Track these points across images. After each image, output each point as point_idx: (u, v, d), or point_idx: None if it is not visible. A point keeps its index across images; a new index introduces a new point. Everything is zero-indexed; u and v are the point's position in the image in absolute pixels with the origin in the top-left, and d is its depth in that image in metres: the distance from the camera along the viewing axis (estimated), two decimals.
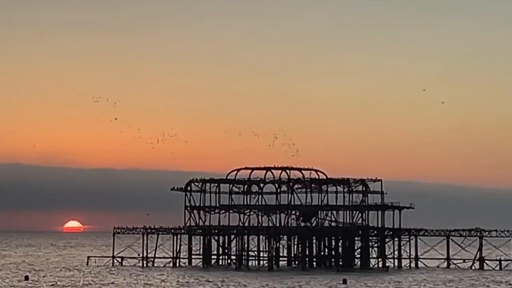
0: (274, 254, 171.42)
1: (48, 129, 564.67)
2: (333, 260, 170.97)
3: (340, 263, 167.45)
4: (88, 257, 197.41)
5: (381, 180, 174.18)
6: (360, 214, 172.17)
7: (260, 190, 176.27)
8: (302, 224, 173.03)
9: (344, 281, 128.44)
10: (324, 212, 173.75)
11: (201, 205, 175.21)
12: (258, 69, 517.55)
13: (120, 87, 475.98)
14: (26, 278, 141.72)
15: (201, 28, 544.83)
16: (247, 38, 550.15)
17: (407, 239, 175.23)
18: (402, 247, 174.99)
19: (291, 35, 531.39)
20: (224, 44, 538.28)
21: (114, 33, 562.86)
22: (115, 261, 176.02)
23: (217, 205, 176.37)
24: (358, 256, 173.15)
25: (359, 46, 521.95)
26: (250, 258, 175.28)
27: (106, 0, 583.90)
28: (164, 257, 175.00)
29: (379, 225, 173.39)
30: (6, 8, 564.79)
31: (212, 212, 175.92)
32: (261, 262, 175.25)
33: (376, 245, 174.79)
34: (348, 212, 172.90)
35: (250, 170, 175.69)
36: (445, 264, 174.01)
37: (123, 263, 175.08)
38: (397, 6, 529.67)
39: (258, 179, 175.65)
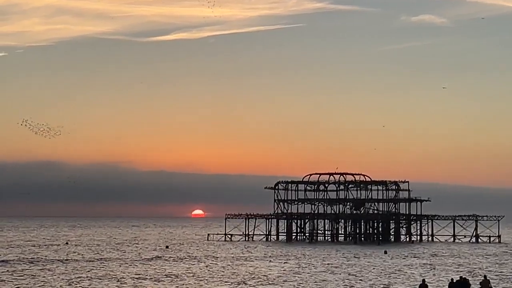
0: (335, 232, 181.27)
1: (184, 143, 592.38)
2: (375, 236, 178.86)
3: (380, 238, 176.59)
4: (208, 234, 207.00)
5: (408, 182, 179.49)
6: (393, 205, 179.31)
7: (325, 189, 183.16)
8: (354, 211, 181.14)
9: (385, 252, 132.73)
10: (369, 203, 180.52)
11: (285, 198, 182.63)
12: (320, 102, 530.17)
13: None
14: (167, 247, 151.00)
15: None
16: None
17: (426, 222, 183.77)
18: (423, 228, 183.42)
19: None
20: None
21: None
22: (226, 237, 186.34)
23: (296, 198, 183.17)
24: (392, 233, 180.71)
25: None
26: (318, 235, 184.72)
27: None
28: (259, 235, 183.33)
29: (407, 213, 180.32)
30: None
31: (293, 204, 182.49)
32: (326, 238, 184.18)
33: (404, 226, 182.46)
34: (385, 203, 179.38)
35: (318, 175, 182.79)
36: (452, 239, 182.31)
37: (232, 239, 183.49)
38: None
39: (324, 181, 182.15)
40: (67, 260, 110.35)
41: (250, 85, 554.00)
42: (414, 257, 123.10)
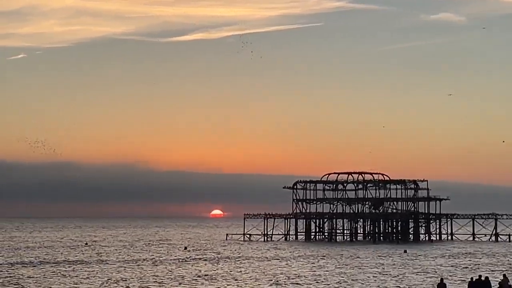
0: (353, 232, 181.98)
1: (202, 143, 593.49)
2: (394, 235, 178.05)
3: (399, 237, 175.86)
4: (227, 234, 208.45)
5: (427, 181, 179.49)
6: (412, 204, 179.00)
7: (344, 188, 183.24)
8: (373, 211, 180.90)
9: (405, 251, 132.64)
10: (388, 202, 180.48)
11: (304, 198, 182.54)
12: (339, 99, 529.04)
13: None
14: (185, 248, 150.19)
15: None
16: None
17: (445, 221, 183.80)
18: (442, 227, 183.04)
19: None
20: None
21: None
22: (245, 237, 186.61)
23: (315, 198, 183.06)
24: (411, 233, 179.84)
25: None
26: (337, 234, 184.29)
27: None
28: (278, 234, 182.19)
29: (426, 211, 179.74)
30: None
31: (311, 203, 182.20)
32: (345, 237, 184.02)
33: (423, 225, 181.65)
34: (404, 202, 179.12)
35: (337, 174, 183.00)
36: (471, 238, 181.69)
37: (251, 238, 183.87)
38: None
39: (343, 180, 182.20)
40: (100, 261, 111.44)
41: (269, 84, 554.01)
42: (453, 256, 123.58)
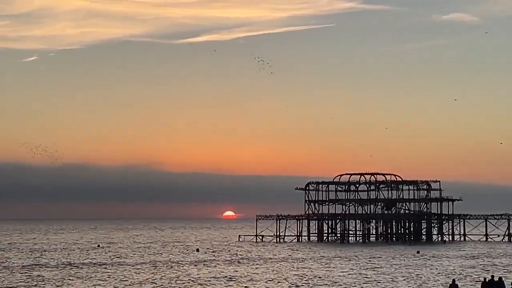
0: (366, 233, 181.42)
1: (215, 145, 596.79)
2: (406, 236, 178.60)
3: (412, 238, 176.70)
4: (239, 235, 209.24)
5: (439, 181, 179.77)
6: (425, 205, 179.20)
7: (356, 189, 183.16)
8: (385, 212, 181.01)
9: (418, 252, 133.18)
10: (400, 203, 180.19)
11: (316, 199, 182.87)
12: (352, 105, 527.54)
13: None
14: (197, 250, 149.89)
15: None
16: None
17: (458, 222, 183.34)
18: (454, 227, 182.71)
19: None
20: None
21: None
22: (257, 238, 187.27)
23: (327, 199, 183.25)
24: (424, 233, 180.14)
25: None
26: (350, 235, 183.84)
27: None
28: (290, 235, 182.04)
29: (438, 212, 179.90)
30: None
31: (324, 204, 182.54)
32: (357, 238, 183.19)
33: (436, 226, 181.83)
34: (417, 203, 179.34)
35: (349, 175, 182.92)
36: (484, 238, 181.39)
37: (263, 239, 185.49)
38: None
39: (355, 181, 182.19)
40: (117, 263, 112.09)
41: (281, 85, 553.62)
42: (465, 257, 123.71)
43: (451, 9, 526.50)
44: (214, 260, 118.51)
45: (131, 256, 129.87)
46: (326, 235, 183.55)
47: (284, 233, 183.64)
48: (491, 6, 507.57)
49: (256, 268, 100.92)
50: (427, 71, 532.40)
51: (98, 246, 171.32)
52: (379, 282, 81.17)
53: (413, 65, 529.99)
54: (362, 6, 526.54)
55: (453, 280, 60.09)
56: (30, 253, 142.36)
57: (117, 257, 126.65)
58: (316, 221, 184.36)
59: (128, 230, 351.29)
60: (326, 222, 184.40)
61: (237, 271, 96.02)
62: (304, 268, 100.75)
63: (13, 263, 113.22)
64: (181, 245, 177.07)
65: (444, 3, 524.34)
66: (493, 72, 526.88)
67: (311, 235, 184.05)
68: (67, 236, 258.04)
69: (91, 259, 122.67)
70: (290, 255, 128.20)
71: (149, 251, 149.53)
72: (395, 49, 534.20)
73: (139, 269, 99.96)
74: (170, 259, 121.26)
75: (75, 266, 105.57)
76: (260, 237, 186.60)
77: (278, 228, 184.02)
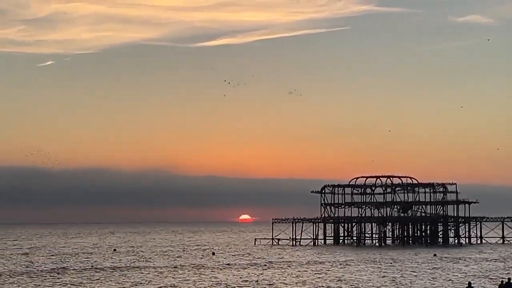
0: (382, 236, 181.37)
1: (232, 148, 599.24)
2: (423, 239, 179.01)
3: (428, 241, 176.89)
4: (255, 239, 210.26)
5: (455, 184, 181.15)
6: (441, 207, 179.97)
7: (372, 192, 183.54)
8: (402, 214, 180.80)
9: (435, 255, 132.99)
10: (417, 206, 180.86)
11: (332, 202, 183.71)
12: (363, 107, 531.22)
13: None
14: (213, 253, 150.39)
15: None
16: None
17: (474, 224, 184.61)
18: (471, 230, 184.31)
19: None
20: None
21: None
22: (274, 241, 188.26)
23: (343, 202, 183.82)
24: (441, 236, 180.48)
25: None
26: (366, 238, 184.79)
27: None
28: (306, 238, 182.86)
29: (455, 215, 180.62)
30: None
31: (340, 207, 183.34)
32: (373, 241, 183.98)
33: (453, 228, 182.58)
34: (433, 206, 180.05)
35: (365, 178, 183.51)
36: (501, 241, 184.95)
37: (279, 243, 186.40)
38: None
39: (371, 184, 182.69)
40: (145, 267, 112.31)
41: (297, 89, 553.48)
42: (482, 259, 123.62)
43: (467, 11, 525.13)
44: (234, 264, 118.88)
45: (154, 259, 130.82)
46: (342, 238, 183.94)
47: (300, 236, 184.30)
48: (507, 7, 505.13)
49: (281, 272, 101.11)
50: (443, 73, 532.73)
51: (114, 250, 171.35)
52: (397, 285, 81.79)
53: (429, 67, 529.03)
54: (377, 9, 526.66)
55: (469, 283, 60.71)
56: (52, 256, 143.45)
57: (140, 261, 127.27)
58: (332, 224, 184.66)
59: (146, 233, 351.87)
60: (342, 225, 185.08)
61: (260, 275, 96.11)
62: (326, 271, 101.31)
63: (37, 267, 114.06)
64: (200, 248, 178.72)
65: (460, 5, 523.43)
66: (510, 73, 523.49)
67: (327, 238, 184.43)
68: (86, 239, 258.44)
69: (111, 262, 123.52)
70: (313, 259, 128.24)
71: (171, 254, 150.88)
72: (411, 51, 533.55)
73: (162, 272, 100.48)
74: (195, 263, 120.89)
75: (96, 269, 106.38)
76: (276, 241, 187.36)
77: (294, 231, 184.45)
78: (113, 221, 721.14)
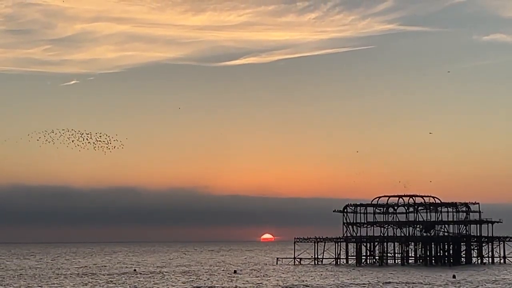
0: (405, 255, 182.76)
1: (258, 167, 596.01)
2: (446, 259, 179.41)
3: (451, 261, 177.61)
4: (277, 258, 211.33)
5: (478, 203, 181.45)
6: (464, 227, 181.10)
7: (394, 211, 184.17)
8: (424, 234, 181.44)
9: (454, 276, 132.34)
10: (439, 225, 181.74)
11: (354, 221, 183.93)
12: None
13: None
14: (235, 272, 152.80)
15: None
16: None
17: (498, 244, 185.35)
18: (494, 249, 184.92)
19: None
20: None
21: None
22: (295, 261, 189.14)
23: (365, 221, 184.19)
24: (464, 256, 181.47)
25: None
26: (388, 258, 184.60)
27: None
28: (328, 258, 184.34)
29: (478, 234, 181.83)
30: None
31: (362, 227, 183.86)
32: (396, 261, 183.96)
33: (476, 248, 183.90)
34: (456, 225, 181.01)
35: (387, 197, 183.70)
36: None
37: (301, 262, 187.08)
38: None
39: (393, 203, 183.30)
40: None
41: (321, 108, 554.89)
42: (503, 282, 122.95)
43: (492, 29, 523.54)
44: (262, 284, 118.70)
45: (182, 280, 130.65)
46: (364, 257, 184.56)
47: (322, 256, 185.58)
48: None
49: None
50: (468, 92, 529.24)
51: (134, 270, 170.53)
52: None
53: (453, 86, 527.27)
54: (401, 28, 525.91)
55: None
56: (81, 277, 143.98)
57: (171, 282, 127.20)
58: (354, 244, 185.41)
59: (170, 252, 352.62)
60: (365, 244, 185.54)
61: None
62: None
63: None
64: (224, 268, 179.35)
65: (486, 23, 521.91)
66: None
67: (349, 257, 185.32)
68: (125, 258, 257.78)
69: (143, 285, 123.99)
70: (344, 281, 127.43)
71: (203, 275, 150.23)
72: (436, 70, 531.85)
73: None
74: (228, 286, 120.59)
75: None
76: (298, 260, 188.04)
77: (316, 250, 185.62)
78: (142, 240, 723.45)
